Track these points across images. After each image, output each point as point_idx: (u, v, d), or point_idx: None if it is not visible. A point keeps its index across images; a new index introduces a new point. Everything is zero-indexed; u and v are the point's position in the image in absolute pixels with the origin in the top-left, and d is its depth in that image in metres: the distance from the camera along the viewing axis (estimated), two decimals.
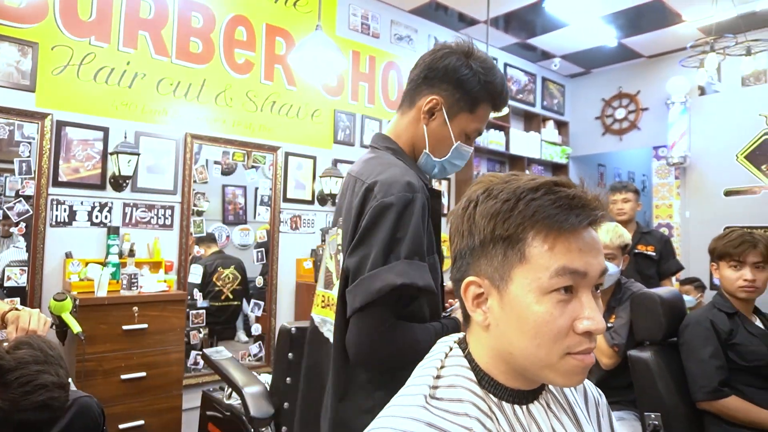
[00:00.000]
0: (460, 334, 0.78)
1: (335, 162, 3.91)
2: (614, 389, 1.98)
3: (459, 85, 1.12)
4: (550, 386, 0.73)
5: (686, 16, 4.33)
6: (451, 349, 0.73)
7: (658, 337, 1.91)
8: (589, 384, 0.82)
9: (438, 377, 0.68)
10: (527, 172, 5.19)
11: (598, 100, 5.77)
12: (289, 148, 3.67)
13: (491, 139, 4.88)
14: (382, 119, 4.23)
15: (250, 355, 3.51)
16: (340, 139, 3.95)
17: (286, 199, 3.66)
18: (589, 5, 4.20)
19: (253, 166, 3.52)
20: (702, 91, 4.96)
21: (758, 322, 1.94)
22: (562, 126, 5.78)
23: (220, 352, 2.46)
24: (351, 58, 4.03)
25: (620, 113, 5.59)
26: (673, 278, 3.58)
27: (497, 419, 0.65)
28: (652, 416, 1.73)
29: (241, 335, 3.61)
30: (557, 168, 5.70)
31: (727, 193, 4.77)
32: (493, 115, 1.23)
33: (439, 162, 1.18)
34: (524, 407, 0.68)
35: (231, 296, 3.46)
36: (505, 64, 5.35)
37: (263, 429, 2.04)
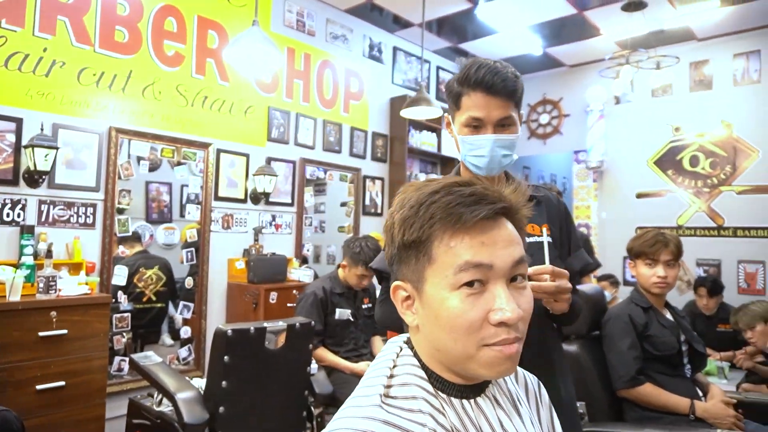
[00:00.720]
0: (408, 335, 0.80)
1: (269, 160, 3.85)
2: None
3: (448, 94, 1.28)
4: (494, 381, 0.77)
5: (604, 30, 4.63)
6: (401, 349, 0.75)
7: (584, 331, 2.04)
8: (528, 375, 0.86)
9: (391, 376, 0.70)
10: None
11: (524, 106, 6.02)
12: (221, 145, 3.57)
13: (423, 141, 4.98)
14: (317, 118, 4.21)
15: (178, 359, 3.38)
16: (274, 136, 3.89)
17: (217, 198, 3.55)
18: (517, 15, 4.39)
19: (180, 163, 3.39)
20: (617, 100, 5.32)
21: (669, 315, 2.12)
22: None
23: (148, 357, 2.35)
24: (286, 55, 3.98)
25: (544, 118, 5.89)
26: (592, 275, 3.83)
27: (447, 415, 0.68)
28: (578, 405, 1.84)
29: (166, 338, 3.47)
30: None
31: (639, 196, 5.16)
32: (478, 99, 1.19)
33: (466, 160, 1.27)
34: (472, 401, 0.71)
35: (154, 298, 3.30)
36: (438, 68, 5.48)
37: None
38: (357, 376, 2.62)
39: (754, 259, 4.48)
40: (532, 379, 0.86)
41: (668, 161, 5.00)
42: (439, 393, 0.70)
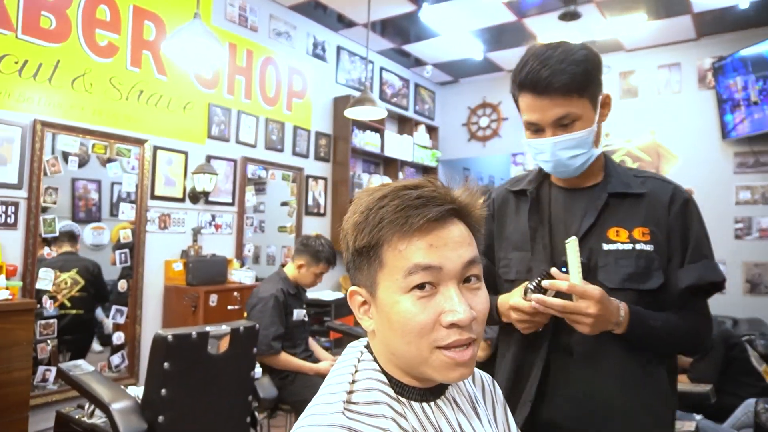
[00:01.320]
0: (367, 339, 0.79)
1: (209, 158, 3.72)
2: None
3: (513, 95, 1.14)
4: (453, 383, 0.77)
5: (541, 38, 4.81)
6: (362, 354, 0.75)
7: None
8: (485, 375, 0.88)
9: (353, 382, 0.70)
10: (400, 174, 5.40)
11: (465, 108, 6.18)
12: (158, 142, 3.41)
13: (367, 141, 4.99)
14: (259, 116, 4.11)
15: (110, 366, 3.20)
16: (215, 134, 3.76)
17: (154, 196, 3.39)
18: (460, 19, 4.48)
19: (111, 159, 3.21)
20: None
21: None
22: (432, 131, 6.09)
23: (78, 366, 2.21)
24: (228, 51, 3.86)
25: (484, 121, 6.04)
26: None
27: (408, 419, 0.67)
28: None
29: (96, 345, 3.28)
30: (427, 170, 5.99)
31: None
32: (529, 101, 1.05)
33: (535, 162, 1.18)
34: (432, 404, 0.71)
35: (68, 303, 3.03)
36: (381, 68, 5.50)
37: None
38: (321, 377, 2.58)
39: None
40: (487, 378, 0.88)
41: None
42: (400, 397, 0.70)
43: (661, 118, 4.95)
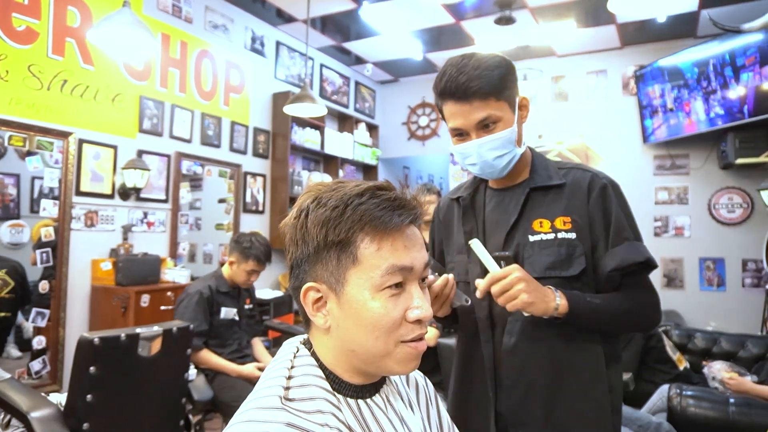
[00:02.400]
0: (305, 336, 0.80)
1: (140, 153, 3.57)
2: (424, 373, 2.20)
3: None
4: (388, 380, 0.80)
5: (478, 40, 4.94)
6: (298, 350, 0.75)
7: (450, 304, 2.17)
8: (417, 374, 0.91)
9: (289, 378, 0.70)
10: (340, 171, 5.39)
11: (405, 107, 6.25)
12: (84, 135, 3.23)
13: (307, 138, 4.95)
14: (194, 110, 3.98)
15: (30, 372, 3.01)
16: (147, 128, 3.61)
17: (79, 192, 3.21)
18: (400, 19, 4.53)
19: (32, 153, 3.02)
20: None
21: None
22: (372, 129, 6.12)
23: None
24: (160, 42, 3.71)
25: (423, 121, 6.14)
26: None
27: (344, 413, 0.69)
28: None
29: (13, 350, 3.08)
30: (368, 169, 6.02)
31: None
32: (452, 108, 1.11)
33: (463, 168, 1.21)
34: (367, 401, 0.74)
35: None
36: (321, 65, 5.47)
37: None
38: (243, 379, 2.54)
39: None
40: (419, 376, 0.90)
41: None
42: (336, 393, 0.71)
43: (589, 121, 5.21)
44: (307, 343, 0.77)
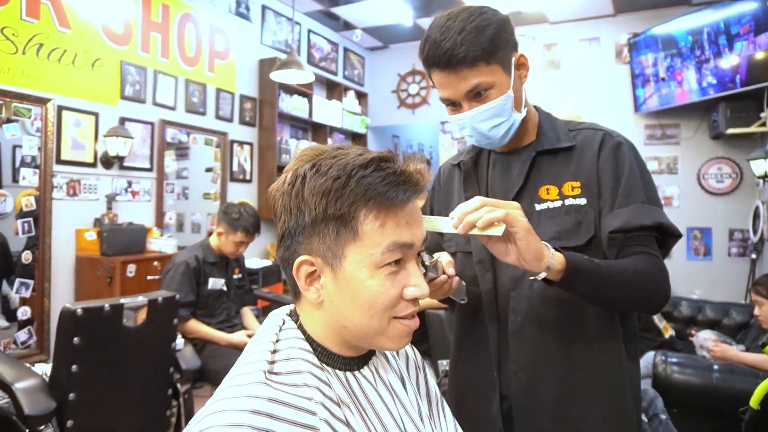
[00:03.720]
0: (291, 307, 0.77)
1: (123, 120, 3.47)
2: (413, 341, 2.20)
3: None
4: (377, 351, 0.78)
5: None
6: (284, 322, 0.73)
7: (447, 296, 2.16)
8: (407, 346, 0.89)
9: (274, 351, 0.68)
10: (329, 140, 5.31)
11: (395, 75, 6.14)
12: (64, 101, 3.13)
13: (294, 106, 4.85)
14: (178, 76, 3.87)
15: (16, 342, 2.98)
16: (129, 94, 3.51)
17: (60, 161, 3.13)
18: None
19: (10, 120, 2.92)
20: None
21: None
22: (361, 97, 6.02)
23: None
24: (141, 4, 3.57)
25: (413, 89, 6.04)
26: None
27: (333, 387, 0.67)
28: (444, 363, 1.97)
29: (0, 320, 3.05)
30: (357, 137, 5.95)
31: None
32: (439, 78, 0.99)
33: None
34: (355, 373, 0.72)
35: None
36: (309, 31, 5.33)
37: (42, 427, 1.77)
38: (233, 347, 2.54)
39: None
40: (408, 349, 0.89)
41: None
42: (325, 366, 0.69)
43: (581, 90, 5.15)
44: (294, 315, 0.75)
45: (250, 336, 2.54)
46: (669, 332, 3.69)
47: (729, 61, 4.00)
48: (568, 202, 1.00)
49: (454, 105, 1.02)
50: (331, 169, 0.65)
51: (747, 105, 4.11)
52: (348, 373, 0.71)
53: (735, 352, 2.34)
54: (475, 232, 0.83)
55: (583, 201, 1.00)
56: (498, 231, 0.82)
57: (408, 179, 0.67)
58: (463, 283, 1.02)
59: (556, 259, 0.85)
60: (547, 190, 1.02)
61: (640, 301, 0.98)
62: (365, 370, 0.73)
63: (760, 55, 3.78)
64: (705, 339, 2.59)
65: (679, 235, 1.00)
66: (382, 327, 0.68)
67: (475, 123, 1.00)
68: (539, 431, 1.02)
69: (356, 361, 0.73)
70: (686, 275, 4.70)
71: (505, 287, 1.04)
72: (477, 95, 0.98)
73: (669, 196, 4.83)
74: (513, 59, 1.01)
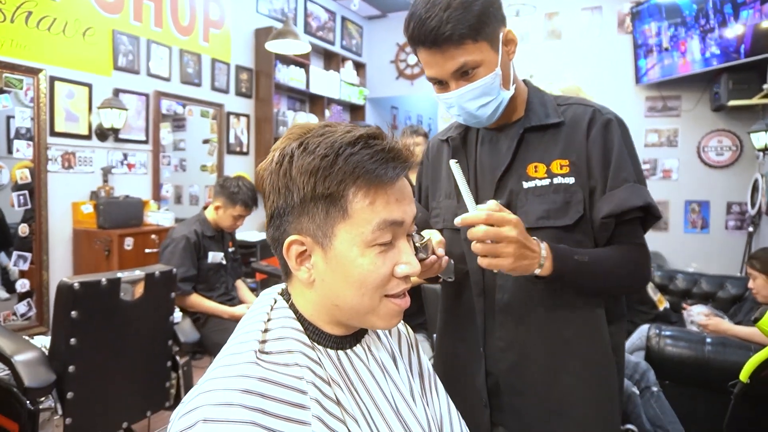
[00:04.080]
0: (282, 285, 0.77)
1: (117, 92, 3.42)
2: (407, 316, 2.22)
3: None
4: (369, 329, 0.78)
5: None
6: (275, 302, 0.73)
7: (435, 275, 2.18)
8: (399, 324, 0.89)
9: (266, 330, 0.68)
10: (326, 111, 5.26)
11: (393, 45, 6.03)
12: (55, 72, 3.08)
13: (291, 76, 4.78)
14: (172, 46, 3.80)
15: (15, 315, 3.01)
16: (122, 65, 3.45)
17: (54, 133, 3.10)
18: None
19: (2, 90, 2.88)
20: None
21: None
22: (359, 67, 5.92)
23: None
24: None
25: (412, 59, 5.94)
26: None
27: (324, 366, 0.68)
28: None
29: (0, 292, 3.07)
30: (355, 109, 5.88)
31: None
32: (425, 57, 0.98)
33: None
34: (347, 352, 0.72)
35: None
36: None
37: (42, 399, 1.80)
38: (235, 320, 2.56)
39: None
40: (401, 326, 0.89)
41: None
42: (316, 345, 0.69)
43: (582, 60, 5.07)
44: (285, 294, 0.75)
45: None
46: (664, 304, 3.74)
47: (734, 30, 3.92)
48: (556, 180, 0.99)
49: (441, 84, 1.00)
50: (318, 148, 0.64)
51: (749, 76, 4.05)
52: (339, 352, 0.71)
53: (728, 325, 2.37)
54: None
55: (571, 180, 0.99)
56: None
57: (397, 156, 0.66)
58: (452, 262, 1.02)
59: (542, 269, 0.90)
60: (535, 167, 1.01)
61: (621, 289, 1.05)
62: (357, 349, 0.74)
63: (766, 24, 3.70)
64: (697, 314, 2.61)
65: (659, 216, 1.02)
66: (374, 305, 0.68)
67: (463, 102, 0.99)
68: (527, 406, 1.03)
69: (348, 339, 0.73)
70: (683, 248, 4.72)
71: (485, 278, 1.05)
72: (464, 74, 0.96)
73: (668, 169, 4.81)
74: (501, 35, 0.98)
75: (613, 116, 1.03)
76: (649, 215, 1.01)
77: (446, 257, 0.95)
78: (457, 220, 0.88)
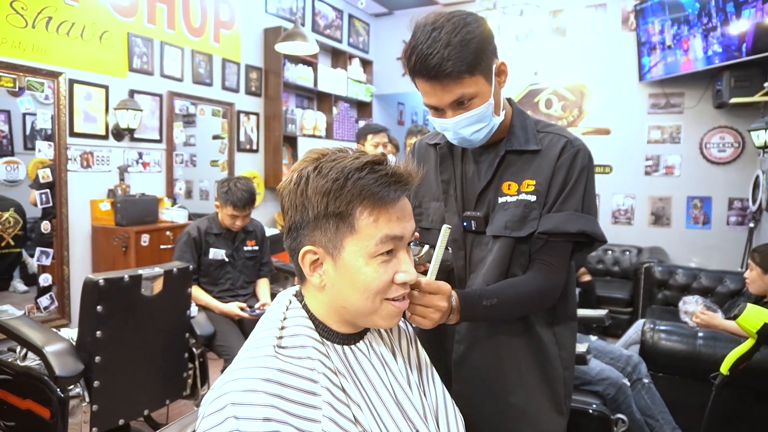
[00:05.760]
0: (297, 288, 0.89)
1: (132, 93, 3.54)
2: None
3: None
4: (372, 328, 0.90)
5: None
6: (290, 302, 0.84)
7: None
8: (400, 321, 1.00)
9: (282, 328, 0.80)
10: (334, 108, 5.35)
11: (400, 42, 6.10)
12: (74, 75, 3.20)
13: (299, 75, 4.88)
14: (184, 47, 3.91)
15: (39, 307, 3.15)
16: (137, 66, 3.57)
17: (73, 134, 3.23)
18: None
19: (21, 89, 2.99)
20: None
21: None
22: (366, 64, 6.00)
23: (5, 312, 2.21)
24: None
25: None
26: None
27: (331, 358, 0.79)
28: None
29: (19, 285, 3.22)
30: (362, 105, 5.97)
31: None
32: (424, 86, 1.06)
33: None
34: (352, 347, 0.84)
35: (13, 242, 3.03)
36: None
37: (71, 387, 1.93)
38: (224, 316, 2.67)
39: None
40: (401, 322, 1.00)
41: (527, 103, 5.44)
42: (325, 341, 0.81)
43: (586, 57, 5.13)
44: (299, 295, 0.86)
45: (242, 309, 2.66)
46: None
47: (737, 27, 3.97)
48: (522, 197, 1.11)
49: (437, 110, 1.09)
50: (331, 171, 0.76)
51: (751, 74, 4.10)
52: (345, 347, 0.83)
53: (719, 320, 2.46)
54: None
55: (533, 198, 1.10)
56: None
57: (398, 180, 0.77)
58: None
59: (451, 319, 1.01)
60: (509, 185, 1.13)
61: (527, 312, 1.15)
62: (360, 344, 0.85)
63: None
64: (692, 304, 2.69)
65: (604, 241, 1.12)
66: (375, 307, 0.79)
67: (458, 129, 1.09)
68: (474, 395, 1.17)
69: (353, 336, 0.85)
70: (684, 243, 4.80)
71: (475, 265, 1.16)
72: (460, 103, 1.05)
73: (671, 165, 4.87)
74: (494, 67, 1.07)
75: (582, 148, 1.13)
76: (593, 239, 1.12)
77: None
78: (422, 279, 0.94)
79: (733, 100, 4.17)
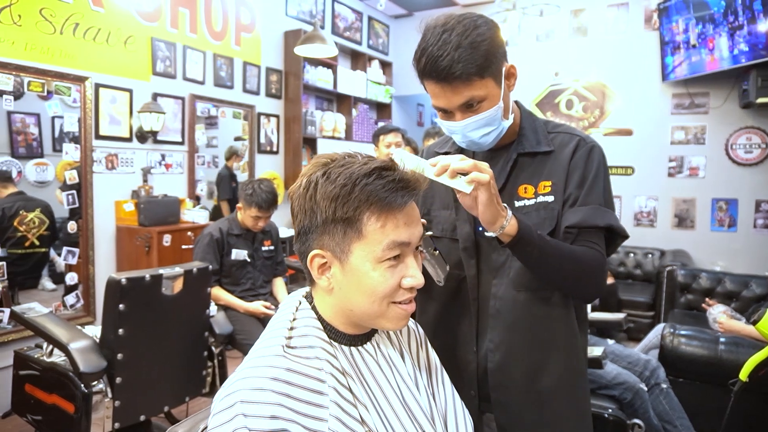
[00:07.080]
0: (306, 289, 0.91)
1: (155, 96, 3.62)
2: None
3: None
4: (380, 330, 0.91)
5: None
6: (300, 303, 0.86)
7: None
8: (410, 322, 1.01)
9: (291, 328, 0.82)
10: (353, 110, 5.38)
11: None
12: (100, 79, 3.29)
13: (319, 77, 4.92)
14: (206, 51, 3.98)
15: (65, 305, 3.24)
16: (160, 70, 3.65)
17: (99, 136, 3.31)
18: None
19: (49, 92, 3.08)
20: (506, 43, 5.56)
21: None
22: (386, 66, 6.02)
23: (32, 309, 2.27)
24: None
25: None
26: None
27: (339, 359, 0.81)
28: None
29: (47, 283, 3.31)
30: (381, 107, 5.99)
31: None
32: (433, 89, 1.05)
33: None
34: (359, 348, 0.86)
35: (37, 242, 3.13)
36: (333, 0, 5.33)
37: (95, 383, 1.99)
38: (249, 315, 2.73)
39: (616, 194, 5.09)
40: (411, 324, 1.01)
41: (548, 103, 5.40)
42: (333, 342, 0.83)
43: (607, 57, 5.07)
44: (309, 297, 0.88)
45: (266, 307, 2.75)
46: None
47: (764, 26, 3.88)
48: (540, 199, 1.10)
49: (446, 112, 1.08)
50: (339, 177, 0.77)
51: None
52: (352, 348, 0.84)
53: (741, 325, 2.41)
54: (446, 181, 0.93)
55: (551, 198, 1.10)
56: (466, 189, 0.93)
57: (406, 185, 0.78)
58: (447, 268, 1.12)
59: (509, 225, 0.96)
60: (525, 189, 1.12)
61: (573, 282, 1.08)
62: (368, 346, 0.87)
63: None
64: (718, 313, 2.64)
65: (626, 236, 1.11)
66: (382, 311, 0.80)
67: (467, 132, 1.08)
68: (511, 401, 1.15)
69: (360, 338, 0.86)
70: (709, 246, 4.70)
71: (487, 273, 1.15)
72: (469, 106, 1.04)
73: (695, 167, 4.78)
74: (504, 69, 1.07)
75: (595, 145, 1.13)
76: (616, 235, 1.11)
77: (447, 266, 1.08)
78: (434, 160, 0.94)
79: (760, 100, 4.08)
